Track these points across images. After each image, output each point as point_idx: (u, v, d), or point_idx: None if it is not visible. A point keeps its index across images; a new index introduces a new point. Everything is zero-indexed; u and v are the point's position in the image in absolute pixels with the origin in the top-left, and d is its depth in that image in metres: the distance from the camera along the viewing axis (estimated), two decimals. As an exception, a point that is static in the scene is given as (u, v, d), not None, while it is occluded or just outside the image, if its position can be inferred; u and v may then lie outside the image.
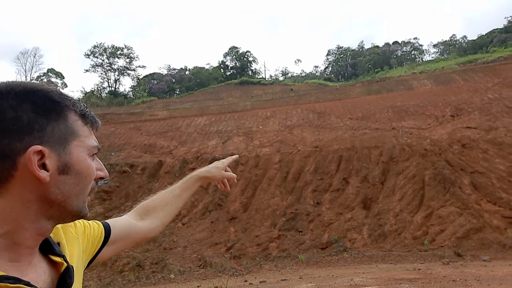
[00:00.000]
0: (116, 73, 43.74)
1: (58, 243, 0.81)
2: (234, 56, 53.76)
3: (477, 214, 12.18)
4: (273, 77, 52.50)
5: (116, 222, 1.07)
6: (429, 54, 51.17)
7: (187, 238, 14.62)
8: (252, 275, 10.70)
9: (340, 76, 54.03)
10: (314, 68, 58.62)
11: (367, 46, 58.17)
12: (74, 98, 0.77)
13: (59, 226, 0.83)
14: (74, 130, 0.73)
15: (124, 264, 12.86)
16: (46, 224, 0.71)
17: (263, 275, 10.61)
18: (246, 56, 54.00)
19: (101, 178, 0.79)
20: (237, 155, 1.56)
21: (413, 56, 50.65)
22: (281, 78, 52.20)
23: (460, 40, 47.14)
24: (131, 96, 41.87)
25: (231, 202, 15.92)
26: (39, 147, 0.67)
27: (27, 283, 0.66)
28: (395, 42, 56.92)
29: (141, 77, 45.45)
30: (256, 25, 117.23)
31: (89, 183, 0.75)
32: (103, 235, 0.99)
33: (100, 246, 0.98)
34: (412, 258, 11.17)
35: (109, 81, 43.97)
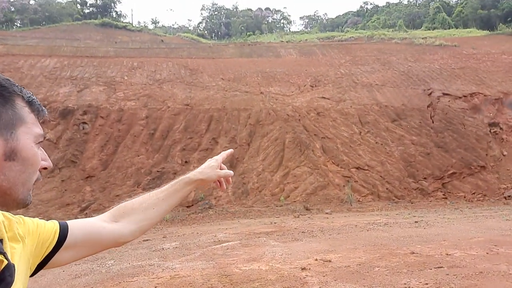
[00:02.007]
0: None
1: (1, 240, 0.75)
2: (96, -8, 47.03)
3: (323, 174, 14.04)
4: (141, 24, 48.31)
5: (78, 223, 0.97)
6: (296, 25, 54.91)
7: (31, 199, 12.63)
8: (111, 237, 10.01)
9: (213, 34, 53.43)
10: (188, 21, 56.33)
11: (241, 7, 58.52)
12: (20, 86, 0.76)
13: (1, 221, 0.78)
14: (21, 116, 0.73)
15: None
16: None
17: (124, 236, 10.05)
18: (110, -6, 47.84)
19: (45, 168, 0.78)
20: (232, 150, 1.39)
21: (282, 25, 53.48)
22: (150, 27, 48.49)
23: (321, 17, 51.89)
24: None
25: (87, 159, 14.34)
26: None
27: None
28: (267, 8, 58.93)
29: (-35, -2, 35.52)
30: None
31: (35, 171, 0.74)
32: (57, 236, 0.90)
33: (52, 249, 0.88)
34: (269, 213, 12.26)
35: None
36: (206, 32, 52.19)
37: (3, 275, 0.69)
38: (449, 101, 16.93)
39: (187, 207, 13.06)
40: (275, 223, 10.63)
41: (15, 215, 0.83)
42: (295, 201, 13.17)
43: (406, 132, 15.70)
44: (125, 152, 14.91)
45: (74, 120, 15.46)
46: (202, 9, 57.26)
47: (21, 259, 0.78)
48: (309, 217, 11.47)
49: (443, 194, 13.34)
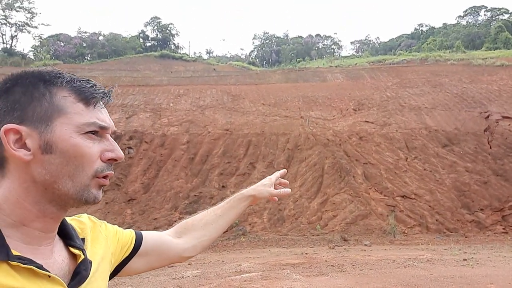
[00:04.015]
0: (13, 28, 38.07)
1: (83, 239, 0.82)
2: (156, 27, 50.82)
3: (365, 202, 13.17)
4: (196, 54, 50.95)
5: (150, 234, 1.04)
6: (347, 50, 54.42)
7: (78, 219, 13.36)
8: (141, 260, 10.12)
9: (264, 61, 54.78)
10: (240, 50, 58.47)
11: (291, 35, 59.65)
12: (73, 76, 0.75)
13: (86, 223, 0.86)
14: (60, 107, 0.71)
15: None
16: (49, 207, 0.71)
17: (154, 260, 10.11)
18: (169, 28, 51.42)
19: (112, 159, 0.75)
20: (285, 170, 1.46)
21: (332, 50, 53.29)
22: (205, 56, 50.93)
23: (373, 41, 50.83)
24: (31, 57, 36.99)
25: (130, 182, 14.93)
26: (10, 126, 0.68)
27: (39, 266, 0.67)
28: (317, 35, 59.32)
29: (44, 36, 40.29)
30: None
31: (82, 164, 0.70)
32: (133, 242, 0.97)
33: (129, 253, 0.96)
34: (304, 242, 11.65)
35: (4, 37, 38.16)
36: (257, 60, 53.67)
37: (78, 268, 0.75)
38: (509, 124, 15.25)
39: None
40: (306, 253, 10.04)
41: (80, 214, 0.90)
42: (332, 231, 12.42)
43: (459, 158, 14.32)
44: (165, 176, 15.32)
45: (121, 145, 16.27)
46: (254, 38, 59.03)
47: (103, 259, 0.85)
48: (345, 249, 10.70)
49: (503, 228, 11.74)
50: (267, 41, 59.17)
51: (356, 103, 18.56)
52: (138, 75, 26.39)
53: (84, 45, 43.47)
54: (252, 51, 59.82)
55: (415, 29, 45.24)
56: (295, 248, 11.08)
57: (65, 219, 0.83)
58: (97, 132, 0.74)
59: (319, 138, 16.07)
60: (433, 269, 7.92)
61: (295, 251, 10.49)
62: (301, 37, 59.25)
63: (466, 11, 42.56)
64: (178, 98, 20.03)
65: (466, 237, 11.42)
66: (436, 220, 12.33)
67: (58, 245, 0.77)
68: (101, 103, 0.77)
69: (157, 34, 51.25)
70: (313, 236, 12.27)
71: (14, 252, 0.65)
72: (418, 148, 14.99)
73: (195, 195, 14.45)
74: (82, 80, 0.75)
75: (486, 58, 24.68)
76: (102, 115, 0.75)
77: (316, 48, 55.17)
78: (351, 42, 55.98)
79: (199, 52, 55.09)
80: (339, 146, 15.58)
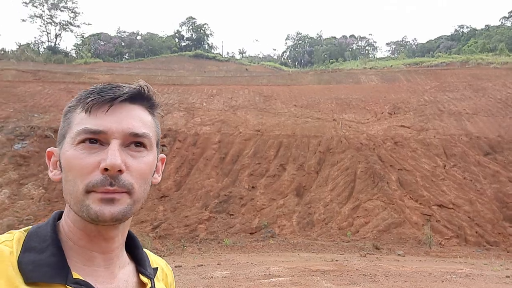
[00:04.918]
0: (58, 27, 40.04)
1: (156, 269, 0.82)
2: (191, 27, 51.73)
3: (399, 210, 12.72)
4: (229, 54, 51.38)
5: None
6: (382, 52, 53.06)
7: (112, 213, 13.80)
8: (172, 258, 10.29)
9: (296, 62, 54.47)
10: (273, 50, 58.45)
11: (325, 36, 58.94)
12: (102, 85, 0.71)
13: (164, 265, 0.89)
14: (70, 122, 0.69)
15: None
16: (86, 224, 0.68)
17: (184, 258, 10.26)
18: (203, 28, 52.20)
19: (105, 170, 0.64)
20: None
21: (366, 51, 52.12)
22: (238, 57, 51.25)
23: (410, 42, 49.20)
24: (73, 55, 38.71)
25: (163, 179, 15.22)
26: (49, 149, 0.73)
27: None
28: (352, 36, 58.24)
29: (86, 35, 42.05)
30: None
31: (74, 179, 0.66)
32: None
33: None
34: (334, 249, 11.42)
35: (49, 35, 40.19)
36: (289, 60, 53.44)
37: None
38: (561, 133, 14.24)
39: (250, 233, 12.90)
40: (336, 260, 9.82)
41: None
42: (364, 238, 12.09)
43: (503, 168, 13.52)
44: (197, 174, 15.52)
45: (155, 143, 16.71)
46: (286, 38, 58.87)
47: None
48: (377, 258, 10.38)
49: (551, 245, 10.96)
50: (299, 42, 58.77)
51: (392, 107, 17.99)
52: (172, 74, 26.93)
53: (123, 44, 44.99)
54: (285, 51, 59.61)
55: (456, 30, 43.33)
56: (325, 254, 10.87)
57: (138, 243, 0.82)
58: (95, 139, 0.66)
59: (352, 141, 15.71)
60: (473, 285, 7.52)
61: (325, 257, 10.29)
62: (334, 37, 58.37)
63: (511, 12, 40.26)
64: (211, 98, 20.24)
65: (508, 252, 10.76)
66: (476, 232, 11.70)
67: (128, 269, 0.76)
68: (107, 106, 0.68)
69: (191, 34, 52.17)
70: (343, 242, 12.00)
71: (75, 275, 0.64)
72: (458, 155, 14.30)
73: (225, 195, 14.53)
74: (96, 88, 0.70)
75: (534, 61, 23.21)
76: (99, 120, 0.67)
77: (350, 49, 54.15)
78: (387, 44, 54.60)
79: (232, 52, 55.55)
80: (372, 151, 15.15)
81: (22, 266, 0.63)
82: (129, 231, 0.80)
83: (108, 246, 0.71)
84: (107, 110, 0.68)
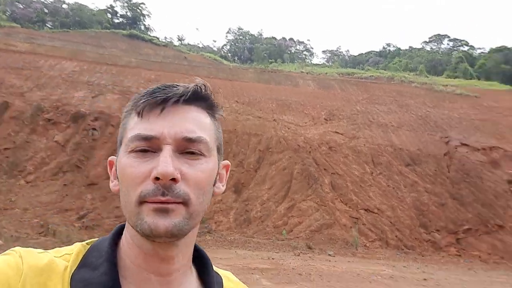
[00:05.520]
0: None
1: (221, 282, 0.75)
2: (126, 4, 48.48)
3: (330, 212, 13.45)
4: (167, 40, 49.30)
5: None
6: (318, 58, 55.67)
7: (29, 199, 12.34)
8: (101, 252, 9.54)
9: (236, 57, 54.43)
10: (213, 42, 57.64)
11: (265, 35, 59.82)
12: (152, 88, 0.65)
13: (242, 286, 0.79)
14: (125, 128, 0.65)
15: None
16: (144, 242, 0.62)
17: (115, 253, 9.58)
18: (140, 7, 49.27)
19: (157, 179, 0.58)
20: None
21: (304, 56, 54.14)
22: (176, 43, 49.45)
23: (344, 53, 52.41)
24: (-16, 15, 33.66)
25: (92, 166, 14.06)
26: (110, 158, 0.69)
27: None
28: (291, 39, 60.00)
29: (1, -5, 36.82)
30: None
31: (127, 189, 0.60)
32: None
33: None
34: (269, 247, 11.65)
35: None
36: (229, 54, 53.22)
37: None
38: (467, 152, 16.36)
39: (185, 228, 12.56)
40: (273, 259, 10.03)
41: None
42: (297, 237, 12.54)
43: (420, 178, 15.10)
44: (130, 163, 14.61)
45: (84, 125, 15.31)
46: (227, 32, 58.49)
47: None
48: (310, 257, 10.84)
49: (457, 251, 12.56)
50: (240, 37, 58.87)
51: (328, 113, 18.93)
52: (104, 52, 24.95)
53: (46, 11, 40.47)
54: (225, 44, 59.20)
55: (383, 47, 47.30)
56: (261, 252, 11.04)
57: (210, 265, 0.73)
58: (145, 146, 0.61)
59: (290, 143, 16.17)
60: (398, 287, 8.23)
61: (261, 255, 10.44)
62: (274, 38, 59.58)
63: (431, 37, 45.19)
64: (149, 83, 19.17)
65: (422, 256, 12.06)
66: (396, 236, 12.90)
67: None
68: (159, 108, 0.62)
69: (126, 12, 48.95)
70: (278, 240, 12.30)
71: None
72: (383, 164, 15.60)
73: (160, 187, 13.93)
74: (153, 88, 0.64)
75: (447, 85, 26.29)
76: (151, 124, 0.61)
77: (289, 52, 55.78)
78: (323, 51, 57.35)
79: (170, 38, 53.46)
80: (308, 153, 15.78)
81: (73, 283, 0.58)
82: (202, 252, 0.73)
83: (166, 268, 0.63)
84: (160, 113, 0.61)
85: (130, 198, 0.60)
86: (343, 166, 15.49)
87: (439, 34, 45.12)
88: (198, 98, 0.65)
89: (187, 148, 0.62)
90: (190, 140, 0.62)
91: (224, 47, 56.52)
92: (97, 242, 0.67)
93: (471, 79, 30.70)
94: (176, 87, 0.64)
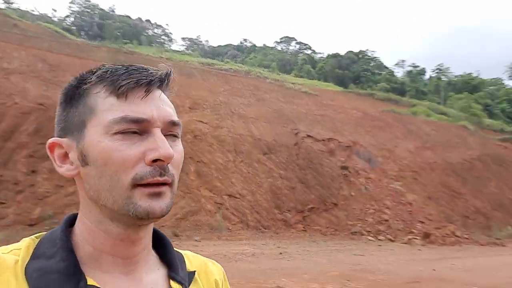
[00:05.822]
0: None
1: (193, 272, 0.72)
2: None
3: (196, 199, 13.62)
4: (-10, 1, 40.19)
5: None
6: (177, 45, 54.64)
7: None
8: None
9: (83, 32, 48.61)
10: (53, 11, 50.04)
11: (118, 12, 55.37)
12: (116, 66, 0.62)
13: (213, 269, 0.79)
14: (91, 107, 0.60)
15: None
16: (113, 227, 0.61)
17: None
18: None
19: (155, 161, 0.58)
20: None
21: (162, 40, 52.37)
22: (2, 5, 40.77)
23: (203, 43, 52.99)
24: None
25: None
26: (51, 140, 0.63)
27: None
28: (148, 20, 57.04)
29: None
30: None
31: (115, 173, 0.58)
32: None
33: None
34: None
35: None
36: (74, 28, 47.09)
37: None
38: (311, 142, 18.95)
39: (30, 225, 10.77)
40: (140, 250, 9.59)
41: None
42: (163, 226, 12.24)
43: (275, 166, 16.74)
44: None
45: None
46: (71, 2, 51.56)
47: None
48: (177, 244, 10.65)
49: (303, 227, 14.49)
50: (88, 10, 52.88)
51: (192, 102, 18.95)
52: None
53: None
54: (68, 16, 52.22)
55: (241, 42, 49.96)
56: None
57: (168, 244, 0.73)
58: (134, 129, 0.60)
59: (154, 130, 15.57)
60: (259, 263, 9.02)
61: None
62: (129, 17, 55.73)
63: (282, 38, 50.05)
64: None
65: (277, 234, 13.47)
66: (255, 218, 14.01)
67: (157, 275, 0.67)
68: (143, 91, 0.61)
69: None
70: (141, 232, 11.78)
71: (90, 281, 0.58)
72: (245, 153, 16.63)
73: (-8, 179, 11.47)
74: (121, 69, 0.61)
75: (295, 83, 29.72)
76: (139, 107, 0.60)
77: (146, 34, 52.96)
78: (182, 38, 56.76)
79: (-5, -1, 43.85)
80: (174, 142, 15.53)
81: (28, 274, 0.56)
82: (157, 231, 0.73)
83: (133, 249, 0.64)
84: (145, 96, 0.61)
85: (120, 183, 0.58)
86: (208, 154, 15.83)
87: (288, 36, 50.41)
88: (167, 83, 0.67)
89: (170, 131, 0.63)
90: (174, 124, 0.63)
91: (67, 18, 49.73)
92: (47, 235, 0.63)
93: (313, 79, 35.47)
94: (150, 70, 0.63)
